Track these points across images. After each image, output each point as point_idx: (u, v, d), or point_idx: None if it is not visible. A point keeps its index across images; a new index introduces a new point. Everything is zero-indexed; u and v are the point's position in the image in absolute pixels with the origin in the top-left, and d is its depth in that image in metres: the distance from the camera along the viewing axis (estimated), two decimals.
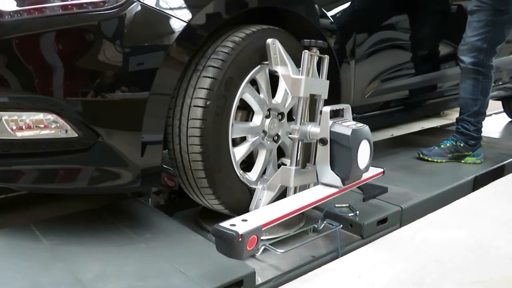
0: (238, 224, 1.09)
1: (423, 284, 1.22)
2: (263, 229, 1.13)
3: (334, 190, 1.44)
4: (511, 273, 1.28)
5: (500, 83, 3.10)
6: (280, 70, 1.48)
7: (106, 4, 1.21)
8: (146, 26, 1.26)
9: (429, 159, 2.38)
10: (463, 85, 2.30)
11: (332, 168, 1.41)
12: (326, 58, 1.57)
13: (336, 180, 1.42)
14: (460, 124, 2.37)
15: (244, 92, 1.47)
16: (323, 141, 1.40)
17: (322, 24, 1.73)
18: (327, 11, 1.75)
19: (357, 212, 1.62)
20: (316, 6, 1.71)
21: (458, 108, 2.41)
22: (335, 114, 1.49)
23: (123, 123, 1.27)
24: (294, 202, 1.32)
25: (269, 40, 1.46)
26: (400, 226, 1.69)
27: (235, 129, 1.47)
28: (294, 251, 1.43)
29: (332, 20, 1.77)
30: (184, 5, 1.31)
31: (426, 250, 1.41)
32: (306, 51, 1.45)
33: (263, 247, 1.41)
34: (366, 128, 1.46)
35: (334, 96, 1.83)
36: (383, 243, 1.48)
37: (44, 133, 1.25)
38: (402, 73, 2.29)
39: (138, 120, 1.25)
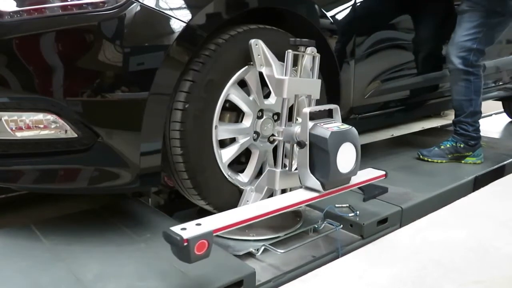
0: (189, 228, 1.07)
1: (423, 284, 1.21)
2: (218, 233, 1.11)
3: (315, 194, 1.38)
4: (511, 273, 1.28)
5: (500, 83, 3.10)
6: (265, 71, 1.46)
7: (106, 5, 1.21)
8: (146, 27, 1.26)
9: (429, 159, 2.38)
10: (455, 87, 2.30)
11: (313, 171, 1.36)
12: (317, 56, 1.53)
13: (316, 184, 1.36)
14: (458, 126, 2.37)
15: (230, 94, 1.45)
16: (300, 144, 1.35)
17: (322, 24, 1.73)
18: (327, 11, 1.75)
19: (357, 212, 1.62)
20: (316, 6, 1.71)
21: None
22: (321, 115, 1.44)
23: (123, 123, 1.27)
24: (262, 207, 1.28)
25: (252, 41, 1.43)
26: (400, 226, 1.69)
27: (222, 131, 1.46)
28: (294, 251, 1.43)
29: (332, 21, 1.77)
30: (184, 6, 1.31)
31: (426, 250, 1.41)
32: (290, 50, 1.42)
33: (263, 247, 1.41)
34: (350, 130, 1.39)
35: (334, 96, 1.83)
36: (383, 243, 1.48)
37: (44, 133, 1.25)
38: (402, 73, 2.29)
39: (138, 120, 1.25)
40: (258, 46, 1.45)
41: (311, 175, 1.36)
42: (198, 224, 1.11)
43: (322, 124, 1.36)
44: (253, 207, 1.29)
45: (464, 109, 2.30)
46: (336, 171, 1.34)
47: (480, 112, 2.34)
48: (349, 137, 1.38)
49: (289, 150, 1.50)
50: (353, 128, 1.41)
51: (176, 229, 1.07)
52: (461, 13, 2.20)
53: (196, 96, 1.36)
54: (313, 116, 1.39)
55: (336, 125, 1.38)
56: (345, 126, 1.39)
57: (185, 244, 1.03)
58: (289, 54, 1.41)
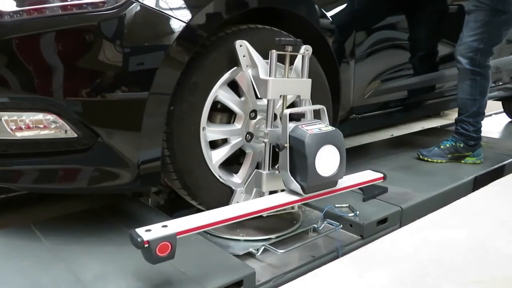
0: (153, 230, 1.07)
1: (423, 284, 1.21)
2: (181, 235, 1.10)
3: (296, 197, 1.36)
4: (511, 273, 1.28)
5: (500, 83, 3.10)
6: (251, 71, 1.45)
7: (106, 5, 1.21)
8: (145, 27, 1.26)
9: (429, 159, 2.38)
10: (461, 86, 2.30)
11: (294, 175, 1.33)
12: (307, 55, 1.50)
13: (297, 187, 1.33)
14: (459, 125, 2.37)
15: (218, 95, 1.44)
16: (278, 147, 1.33)
17: (322, 24, 1.73)
18: (327, 11, 1.75)
19: (357, 212, 1.62)
20: (316, 6, 1.70)
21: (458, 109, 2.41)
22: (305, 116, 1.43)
23: (123, 123, 1.27)
24: (235, 210, 1.26)
25: (236, 42, 1.42)
26: (400, 226, 1.69)
27: (211, 132, 1.45)
28: (294, 251, 1.43)
29: (332, 20, 1.77)
30: (184, 6, 1.31)
31: (426, 250, 1.41)
32: (274, 50, 1.40)
33: (263, 247, 1.41)
34: (333, 132, 1.35)
35: (333, 96, 1.83)
36: (383, 243, 1.48)
37: (44, 133, 1.25)
38: (402, 73, 2.29)
39: (138, 120, 1.25)
40: (243, 47, 1.43)
41: (292, 178, 1.33)
42: (164, 226, 1.10)
43: (303, 126, 1.33)
44: (226, 210, 1.28)
45: (468, 108, 2.30)
46: (315, 174, 1.31)
47: (483, 114, 2.34)
48: (331, 139, 1.34)
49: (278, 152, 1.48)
50: (337, 130, 1.37)
51: (141, 230, 1.07)
52: (468, 13, 2.20)
53: (180, 99, 1.35)
54: (298, 117, 1.37)
55: (318, 126, 1.34)
56: (328, 128, 1.36)
57: (146, 245, 1.03)
58: (273, 54, 1.40)
